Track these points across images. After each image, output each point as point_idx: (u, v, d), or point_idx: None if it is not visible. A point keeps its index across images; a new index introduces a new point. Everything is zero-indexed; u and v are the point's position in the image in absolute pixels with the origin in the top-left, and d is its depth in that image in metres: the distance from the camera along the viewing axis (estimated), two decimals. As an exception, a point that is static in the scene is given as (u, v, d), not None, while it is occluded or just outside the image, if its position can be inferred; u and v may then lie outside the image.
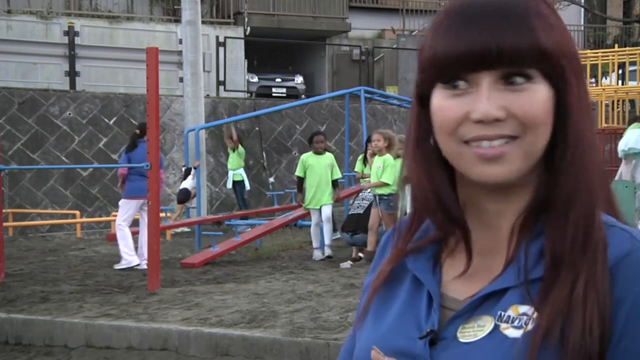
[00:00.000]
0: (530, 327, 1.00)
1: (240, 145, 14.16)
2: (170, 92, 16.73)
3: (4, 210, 11.51)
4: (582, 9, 23.93)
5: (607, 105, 13.19)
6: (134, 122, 15.91)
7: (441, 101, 1.04)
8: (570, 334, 0.99)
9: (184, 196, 13.58)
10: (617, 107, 13.27)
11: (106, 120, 15.78)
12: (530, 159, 1.02)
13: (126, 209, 9.94)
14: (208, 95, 16.82)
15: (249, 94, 18.62)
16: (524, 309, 1.02)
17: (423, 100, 1.08)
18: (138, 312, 7.13)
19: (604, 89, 12.84)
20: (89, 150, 15.38)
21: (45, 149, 15.23)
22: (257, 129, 16.87)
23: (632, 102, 13.86)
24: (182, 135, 15.07)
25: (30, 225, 14.48)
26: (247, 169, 15.50)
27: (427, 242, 1.13)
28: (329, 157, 10.60)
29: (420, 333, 1.07)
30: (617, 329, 0.99)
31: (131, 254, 9.86)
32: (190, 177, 13.65)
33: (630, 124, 11.07)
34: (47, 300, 7.84)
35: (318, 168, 10.48)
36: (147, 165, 8.48)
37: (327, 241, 10.43)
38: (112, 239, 10.48)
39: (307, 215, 12.10)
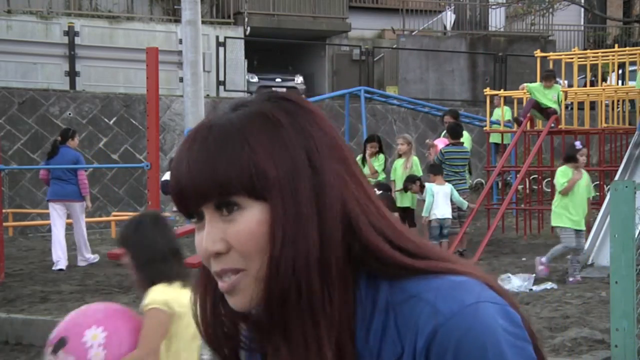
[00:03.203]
0: None
1: None
2: (170, 92, 16.73)
3: (4, 210, 11.51)
4: (582, 9, 23.94)
5: (607, 105, 13.17)
6: (134, 122, 15.92)
7: (195, 235, 1.04)
8: None
9: (166, 188, 13.34)
10: (617, 107, 13.25)
11: (106, 120, 15.78)
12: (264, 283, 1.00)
13: (51, 214, 10.44)
14: (208, 95, 16.82)
15: (249, 94, 18.62)
16: None
17: None
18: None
19: (604, 89, 12.83)
20: (88, 150, 15.37)
21: (45, 149, 15.22)
22: (257, 129, 16.86)
23: (632, 102, 13.86)
24: (182, 135, 15.07)
25: (30, 225, 14.47)
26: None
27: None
28: None
29: None
30: None
31: (61, 256, 10.15)
32: None
33: None
34: (47, 300, 7.84)
35: None
36: (147, 166, 8.49)
37: None
38: (113, 257, 10.58)
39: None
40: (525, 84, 12.51)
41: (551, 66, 13.09)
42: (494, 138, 13.93)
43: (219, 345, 1.08)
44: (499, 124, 13.56)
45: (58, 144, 10.36)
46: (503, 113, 13.28)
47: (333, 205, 1.01)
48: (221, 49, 18.33)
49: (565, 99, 12.23)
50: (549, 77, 11.96)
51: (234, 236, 1.00)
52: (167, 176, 13.22)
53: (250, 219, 0.99)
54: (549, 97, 11.86)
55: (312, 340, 1.00)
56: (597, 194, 12.84)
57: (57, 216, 10.31)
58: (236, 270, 1.00)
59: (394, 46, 20.74)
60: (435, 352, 0.97)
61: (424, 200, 9.80)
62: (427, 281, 1.01)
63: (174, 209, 14.37)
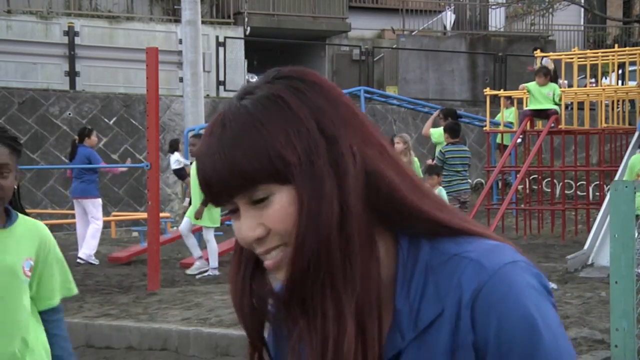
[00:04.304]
0: None
1: None
2: (170, 92, 16.73)
3: (4, 210, 11.51)
4: (582, 9, 23.93)
5: (607, 105, 13.17)
6: (134, 122, 15.92)
7: (233, 223, 1.09)
8: None
9: (183, 174, 13.17)
10: (617, 107, 13.25)
11: (106, 120, 15.78)
12: None
13: None
14: (208, 95, 16.82)
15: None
16: None
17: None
18: (138, 312, 7.14)
19: (604, 89, 12.83)
20: (89, 150, 15.38)
21: (45, 149, 15.23)
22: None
23: (632, 102, 13.86)
24: (182, 135, 15.07)
25: (30, 225, 14.45)
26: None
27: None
28: None
29: None
30: None
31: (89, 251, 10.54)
32: (177, 154, 12.95)
33: None
34: (47, 300, 7.83)
35: (192, 178, 9.89)
36: (147, 166, 8.48)
37: (211, 263, 9.50)
38: (113, 261, 10.57)
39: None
40: (524, 84, 12.52)
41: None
42: (500, 138, 13.92)
43: (246, 318, 1.13)
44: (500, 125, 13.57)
45: (76, 143, 10.63)
46: (503, 114, 13.29)
47: (352, 172, 1.04)
48: (221, 49, 18.33)
49: (560, 100, 12.17)
50: (540, 73, 11.94)
51: (270, 220, 1.04)
52: (175, 164, 13.06)
53: (281, 201, 1.04)
54: (544, 94, 11.79)
55: (332, 309, 1.04)
56: (597, 193, 12.85)
57: (77, 214, 10.75)
58: (282, 246, 1.05)
59: (394, 46, 20.74)
60: (480, 306, 1.03)
61: None
62: (467, 243, 1.08)
63: (174, 209, 14.37)
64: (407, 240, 1.09)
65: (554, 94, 11.82)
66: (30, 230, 2.79)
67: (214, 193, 1.06)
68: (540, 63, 13.21)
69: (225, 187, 1.04)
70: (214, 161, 1.04)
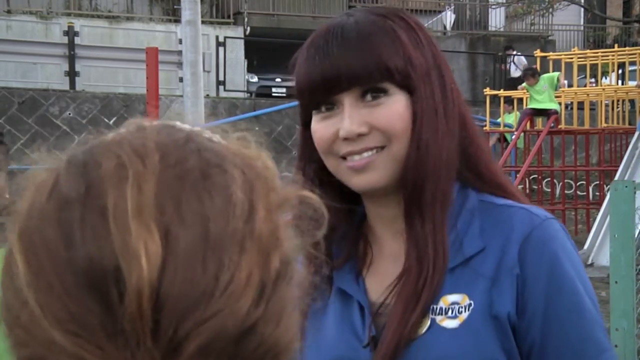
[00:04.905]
0: (465, 315, 1.08)
1: None
2: (170, 92, 16.73)
3: (4, 210, 11.53)
4: (582, 9, 23.94)
5: (607, 105, 13.18)
6: (133, 122, 15.93)
7: (315, 124, 1.13)
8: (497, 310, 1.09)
9: None
10: (617, 107, 13.26)
11: (106, 120, 15.77)
12: (399, 164, 1.11)
13: None
14: (208, 95, 16.82)
15: (248, 94, 18.62)
16: (452, 298, 1.10)
17: (307, 123, 1.16)
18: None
19: (603, 89, 12.84)
20: (88, 150, 15.40)
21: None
22: (256, 129, 16.83)
23: (632, 102, 13.86)
24: (182, 135, 15.09)
25: (30, 225, 14.48)
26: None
27: (344, 259, 1.19)
28: None
29: (360, 341, 1.12)
30: (539, 307, 1.09)
31: None
32: None
33: None
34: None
35: None
36: (147, 165, 8.51)
37: None
38: None
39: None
40: (523, 84, 12.53)
41: (551, 66, 13.08)
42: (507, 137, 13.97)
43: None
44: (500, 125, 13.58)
45: None
46: (503, 117, 13.30)
47: (451, 103, 1.14)
48: (221, 49, 18.33)
49: (558, 87, 12.16)
50: (527, 76, 12.00)
51: (382, 117, 1.10)
52: None
53: (398, 103, 1.11)
54: (540, 91, 11.81)
55: (434, 221, 1.11)
56: (597, 193, 12.85)
57: None
58: (378, 148, 1.11)
59: (394, 46, 20.73)
60: (533, 243, 1.11)
61: None
62: (514, 200, 1.18)
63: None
64: (458, 185, 1.16)
65: (550, 85, 11.82)
66: None
67: (329, 82, 1.10)
68: (513, 62, 13.23)
69: (351, 77, 1.09)
70: (345, 52, 1.10)
